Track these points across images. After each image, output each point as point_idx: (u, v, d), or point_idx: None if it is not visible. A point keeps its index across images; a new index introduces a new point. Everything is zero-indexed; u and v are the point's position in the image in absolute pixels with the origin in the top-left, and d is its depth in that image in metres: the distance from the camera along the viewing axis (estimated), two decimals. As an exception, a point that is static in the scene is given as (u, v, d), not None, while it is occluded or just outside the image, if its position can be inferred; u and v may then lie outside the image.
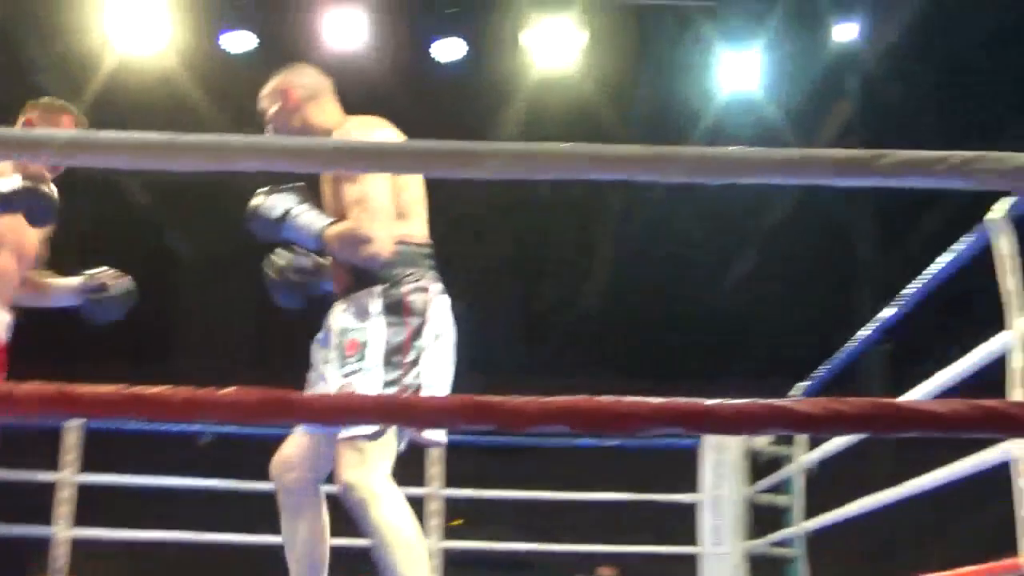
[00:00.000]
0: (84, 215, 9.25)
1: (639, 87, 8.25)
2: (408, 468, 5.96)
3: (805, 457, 4.94)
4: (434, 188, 2.86)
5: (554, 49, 7.57)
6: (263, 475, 2.97)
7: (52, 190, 3.05)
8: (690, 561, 5.56)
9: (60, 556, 5.07)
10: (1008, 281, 2.84)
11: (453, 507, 5.77)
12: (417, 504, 5.60)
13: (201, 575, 7.71)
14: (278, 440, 2.95)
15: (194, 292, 11.17)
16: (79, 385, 1.29)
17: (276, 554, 2.98)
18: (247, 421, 1.25)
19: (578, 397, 1.35)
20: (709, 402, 1.31)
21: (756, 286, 10.26)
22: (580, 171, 1.59)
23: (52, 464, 5.09)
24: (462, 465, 6.14)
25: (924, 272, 3.45)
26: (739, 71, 7.84)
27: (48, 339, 4.29)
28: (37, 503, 5.30)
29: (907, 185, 1.39)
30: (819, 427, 1.30)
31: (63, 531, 5.07)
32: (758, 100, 7.87)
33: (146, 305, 4.06)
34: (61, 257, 3.61)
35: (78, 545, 5.08)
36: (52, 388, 1.28)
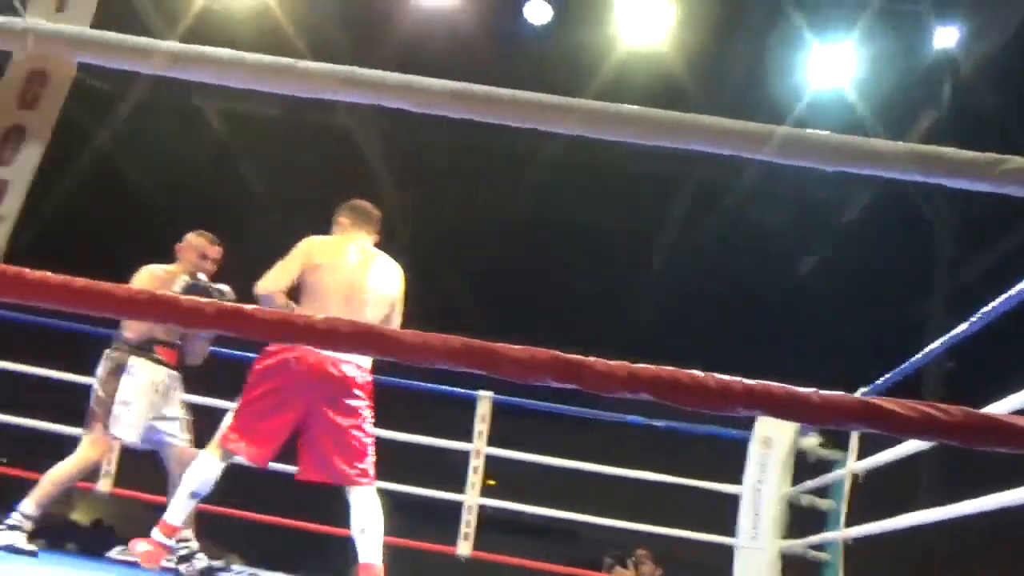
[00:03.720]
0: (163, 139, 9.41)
1: (726, 70, 8.10)
2: (454, 424, 6.03)
3: (854, 463, 4.87)
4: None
5: (642, 22, 7.45)
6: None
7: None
8: (725, 552, 5.55)
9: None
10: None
11: (496, 468, 5.81)
12: (462, 458, 5.69)
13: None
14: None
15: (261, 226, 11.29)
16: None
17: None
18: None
19: (662, 368, 1.33)
20: (800, 390, 1.29)
21: (825, 283, 10.11)
22: (651, 136, 1.58)
23: None
24: (511, 428, 6.17)
25: (1008, 292, 3.33)
26: (830, 64, 7.69)
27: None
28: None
29: (1025, 194, 1.35)
30: (910, 430, 1.27)
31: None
32: (847, 95, 7.71)
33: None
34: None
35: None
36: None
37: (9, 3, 1.48)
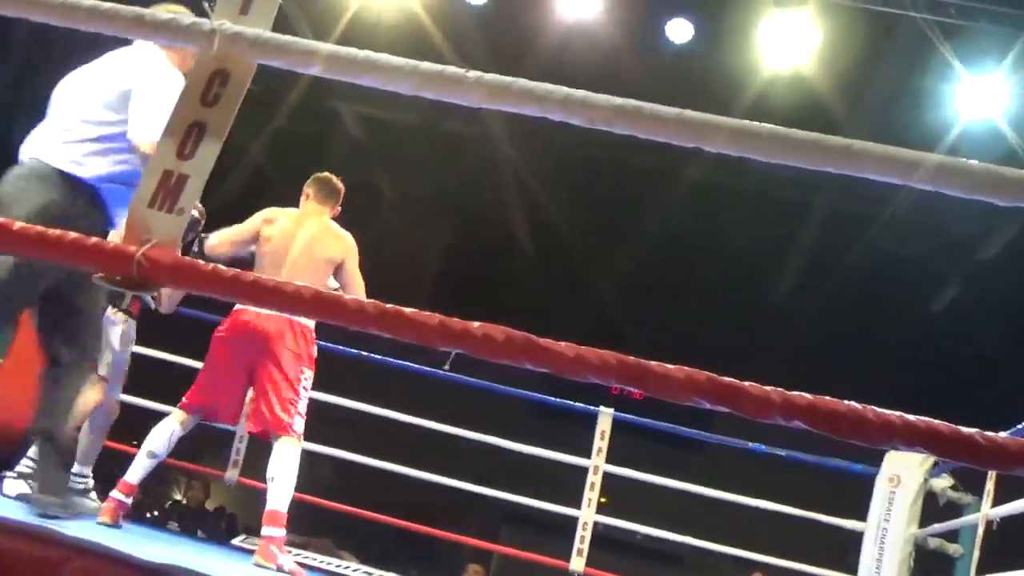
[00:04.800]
0: (300, 135, 9.67)
1: (871, 97, 7.90)
2: (571, 440, 6.03)
3: (989, 508, 4.68)
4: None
5: (786, 44, 7.31)
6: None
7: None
8: (845, 589, 5.40)
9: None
10: None
11: (611, 487, 5.77)
12: (580, 475, 5.67)
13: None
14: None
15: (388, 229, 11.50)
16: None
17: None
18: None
19: (818, 397, 1.31)
20: (964, 430, 1.25)
21: (961, 320, 9.75)
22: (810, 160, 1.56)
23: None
24: (630, 448, 6.13)
25: None
26: (980, 95, 7.42)
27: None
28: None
29: None
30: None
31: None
32: (998, 126, 7.43)
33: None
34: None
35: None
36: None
37: (199, 5, 1.55)
